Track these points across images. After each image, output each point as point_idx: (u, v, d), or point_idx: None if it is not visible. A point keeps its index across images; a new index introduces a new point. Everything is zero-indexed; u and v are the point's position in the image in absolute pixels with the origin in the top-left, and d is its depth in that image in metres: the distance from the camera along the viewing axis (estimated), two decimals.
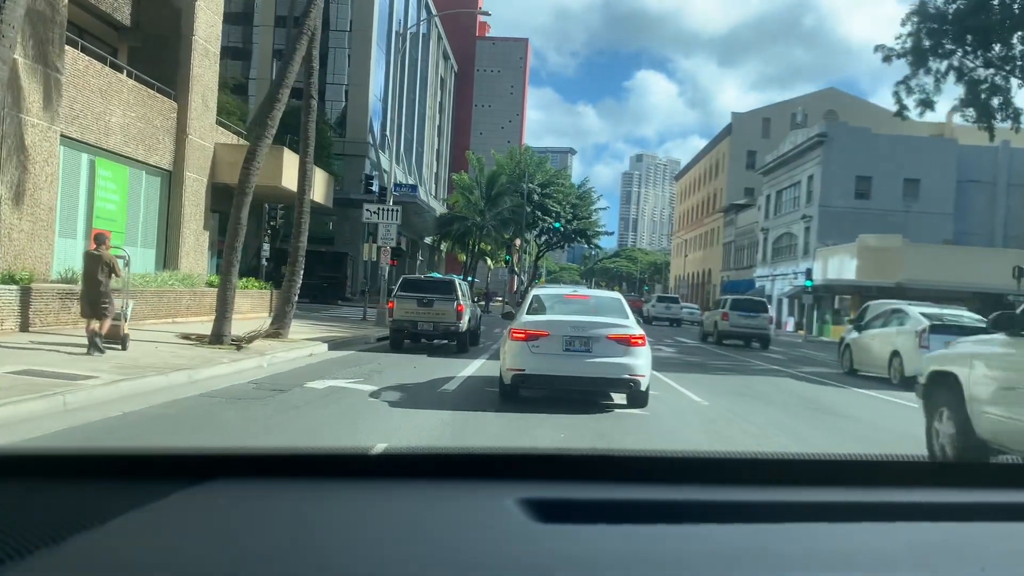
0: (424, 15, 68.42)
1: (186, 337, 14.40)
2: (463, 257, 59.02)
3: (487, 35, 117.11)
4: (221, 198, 23.63)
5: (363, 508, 1.11)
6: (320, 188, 27.07)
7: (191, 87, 20.33)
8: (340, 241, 48.49)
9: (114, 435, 6.86)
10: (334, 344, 17.01)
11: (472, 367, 14.03)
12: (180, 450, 1.34)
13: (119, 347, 11.53)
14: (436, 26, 75.08)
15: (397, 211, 24.82)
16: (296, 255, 16.07)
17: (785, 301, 55.59)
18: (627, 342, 9.16)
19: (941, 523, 1.13)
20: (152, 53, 20.19)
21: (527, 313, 10.07)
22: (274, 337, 15.72)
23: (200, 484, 1.13)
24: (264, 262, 30.21)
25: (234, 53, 51.35)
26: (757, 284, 62.30)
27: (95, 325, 10.92)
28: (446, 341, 17.91)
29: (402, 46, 38.87)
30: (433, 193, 76.31)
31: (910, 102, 29.54)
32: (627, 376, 9.03)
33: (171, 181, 20.45)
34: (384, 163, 52.97)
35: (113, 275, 11.26)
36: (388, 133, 58.39)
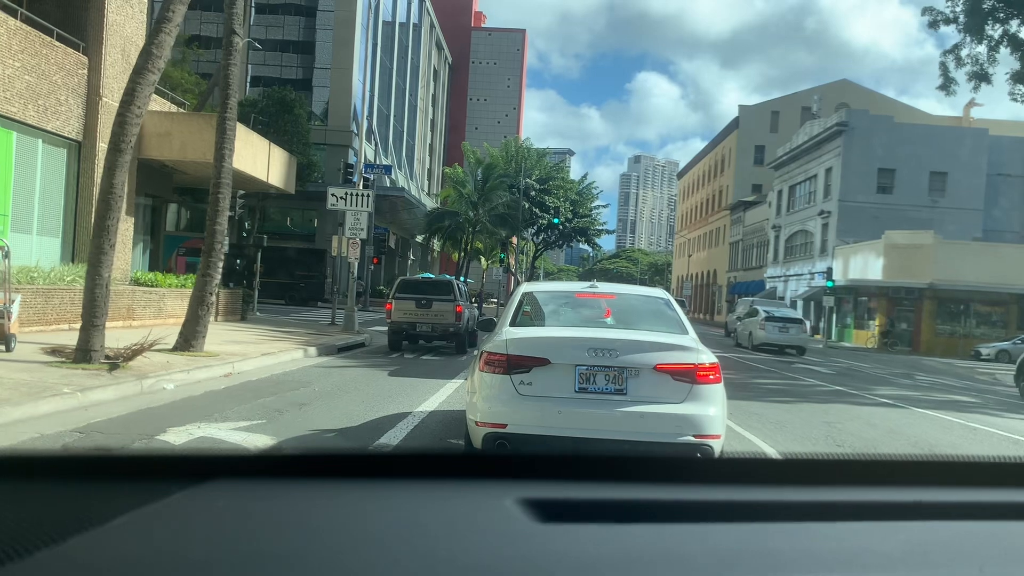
0: (415, 2, 64.59)
1: (55, 351, 10.54)
2: (457, 256, 55.15)
3: (483, 26, 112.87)
4: (154, 178, 19.78)
5: (363, 508, 1.10)
6: (279, 169, 23.17)
7: (106, 38, 16.44)
8: (321, 239, 44.61)
9: None
10: (274, 356, 13.19)
11: (441, 393, 10.19)
12: (181, 451, 1.46)
13: (2, 348, 10.47)
14: (428, 13, 71.14)
15: (367, 196, 20.94)
16: (212, 242, 12.15)
17: (800, 303, 51.68)
18: (690, 375, 5.30)
19: (940, 522, 1.12)
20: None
21: (511, 324, 6.03)
22: (182, 351, 11.85)
23: (200, 485, 1.12)
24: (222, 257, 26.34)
25: (219, 43, 47.34)
26: (768, 285, 58.46)
27: None
28: (444, 343, 17.42)
29: (374, 4, 35.06)
30: (426, 190, 72.36)
31: (959, 75, 25.64)
32: (691, 438, 5.08)
33: (81, 154, 16.53)
34: (369, 154, 49.03)
35: None
36: (375, 123, 54.48)
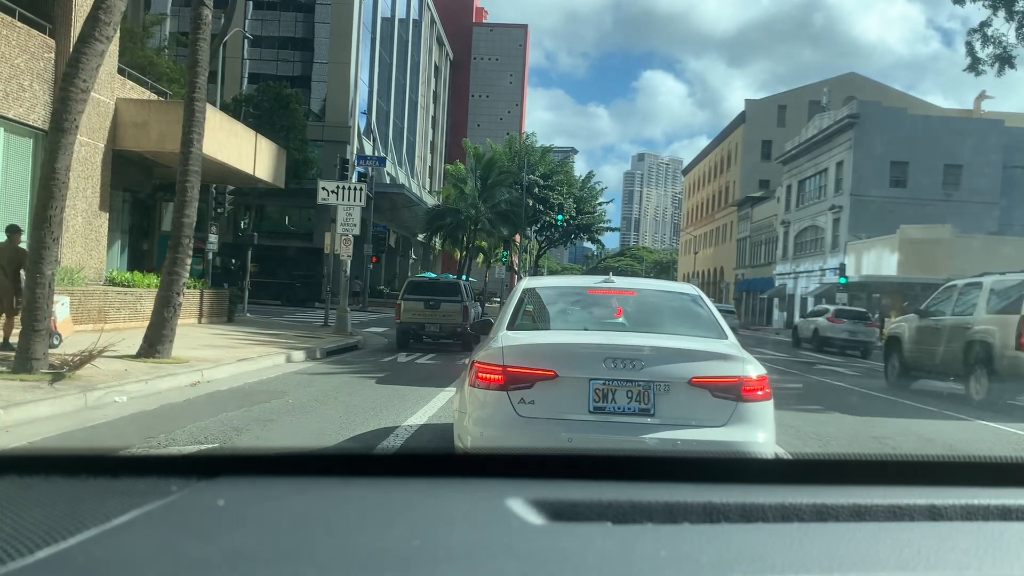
0: None
1: None
2: (459, 255, 53.94)
3: (484, 22, 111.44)
4: (128, 170, 18.61)
5: (364, 507, 1.10)
6: (266, 162, 21.98)
7: (75, 20, 15.21)
8: (319, 237, 43.47)
9: None
10: (252, 362, 12.00)
11: (433, 405, 8.98)
12: (183, 451, 1.34)
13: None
14: (429, 9, 69.94)
15: (360, 190, 19.77)
16: (179, 236, 10.94)
17: (811, 300, 50.35)
18: (734, 391, 4.29)
19: (939, 523, 1.12)
20: None
21: (509, 327, 5.00)
22: (146, 357, 10.67)
23: (202, 484, 1.13)
24: (211, 256, 25.21)
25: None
26: (777, 282, 57.17)
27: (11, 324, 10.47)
28: (451, 341, 17.85)
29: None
30: (427, 188, 71.19)
31: (985, 55, 24.38)
32: None
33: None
34: (368, 150, 47.86)
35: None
36: (375, 120, 53.32)
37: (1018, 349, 10.82)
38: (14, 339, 10.40)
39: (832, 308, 28.87)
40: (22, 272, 10.07)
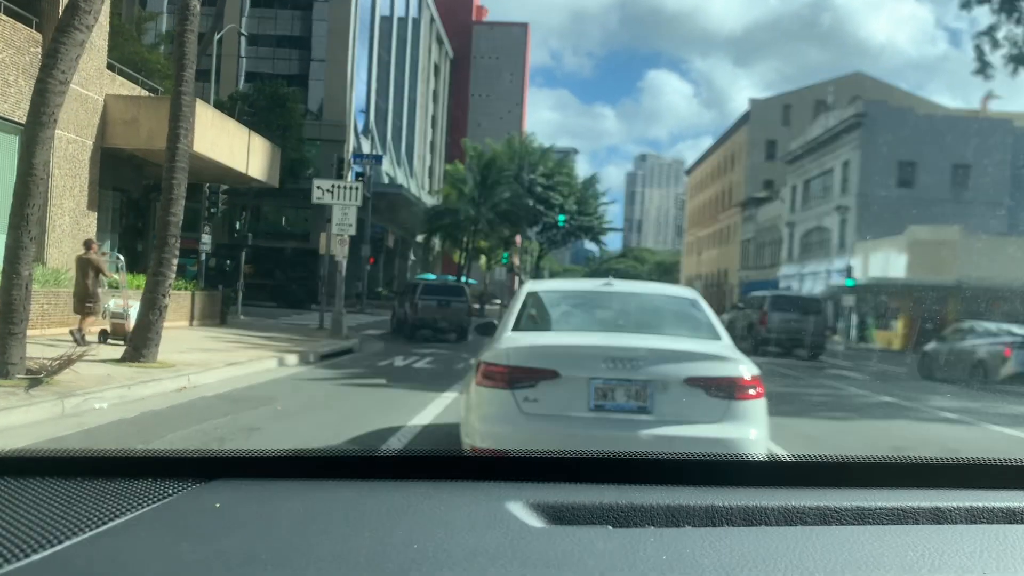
0: None
1: None
2: (458, 256, 53.43)
3: (485, 20, 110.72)
4: (118, 169, 18.15)
5: (364, 509, 1.09)
6: (260, 160, 21.51)
7: (62, 12, 14.79)
8: (316, 238, 43.04)
9: None
10: (242, 366, 11.55)
11: (429, 411, 8.50)
12: (182, 452, 1.36)
13: (120, 342, 11.61)
14: (428, 7, 69.47)
15: (356, 189, 19.33)
16: (165, 236, 10.45)
17: None
18: (727, 390, 4.49)
19: (942, 526, 1.10)
20: None
21: (515, 328, 5.09)
22: (131, 361, 10.19)
23: (201, 485, 1.12)
24: (204, 257, 24.77)
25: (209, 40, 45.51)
26: (782, 284, 56.59)
27: (87, 321, 11.99)
28: (455, 333, 20.45)
29: None
30: (427, 188, 70.70)
31: (995, 58, 23.92)
32: None
33: None
34: (366, 150, 47.39)
35: (101, 276, 12.18)
36: (373, 119, 52.88)
37: (760, 325, 24.57)
38: (91, 337, 12.19)
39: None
40: (101, 276, 12.15)
